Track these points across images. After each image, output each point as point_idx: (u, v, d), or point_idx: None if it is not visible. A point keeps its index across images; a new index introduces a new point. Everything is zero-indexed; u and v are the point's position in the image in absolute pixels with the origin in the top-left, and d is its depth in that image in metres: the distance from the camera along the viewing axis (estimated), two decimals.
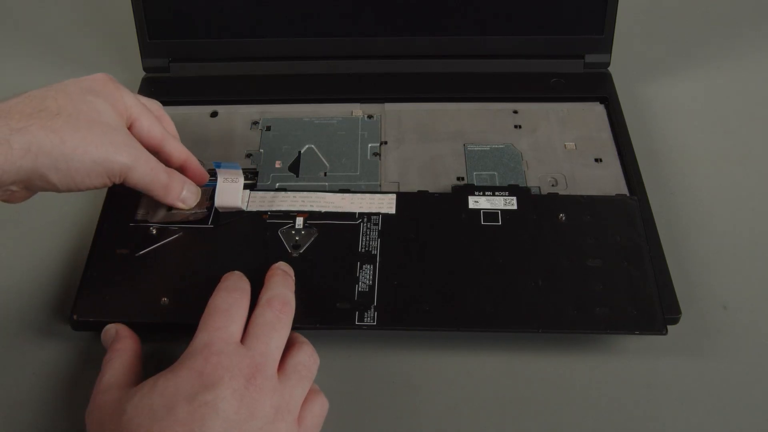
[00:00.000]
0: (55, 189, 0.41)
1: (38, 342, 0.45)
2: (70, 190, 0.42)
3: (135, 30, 0.58)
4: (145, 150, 0.44)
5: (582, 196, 0.49)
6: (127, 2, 0.57)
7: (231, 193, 0.48)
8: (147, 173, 0.43)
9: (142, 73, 0.60)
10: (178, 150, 0.47)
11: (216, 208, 0.49)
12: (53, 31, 0.68)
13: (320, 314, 0.44)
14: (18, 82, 0.62)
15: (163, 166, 0.45)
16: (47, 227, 0.51)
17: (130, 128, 0.45)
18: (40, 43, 0.67)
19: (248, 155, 0.54)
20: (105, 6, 0.70)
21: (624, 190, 0.51)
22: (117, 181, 0.43)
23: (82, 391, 0.41)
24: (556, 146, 0.54)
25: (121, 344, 0.41)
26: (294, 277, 0.44)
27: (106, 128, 0.42)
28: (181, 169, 0.47)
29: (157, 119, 0.46)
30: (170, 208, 0.48)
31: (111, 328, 0.43)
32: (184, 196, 0.47)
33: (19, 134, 0.38)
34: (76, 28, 0.68)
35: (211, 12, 0.58)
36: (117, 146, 0.42)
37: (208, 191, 0.49)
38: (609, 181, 0.52)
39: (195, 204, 0.48)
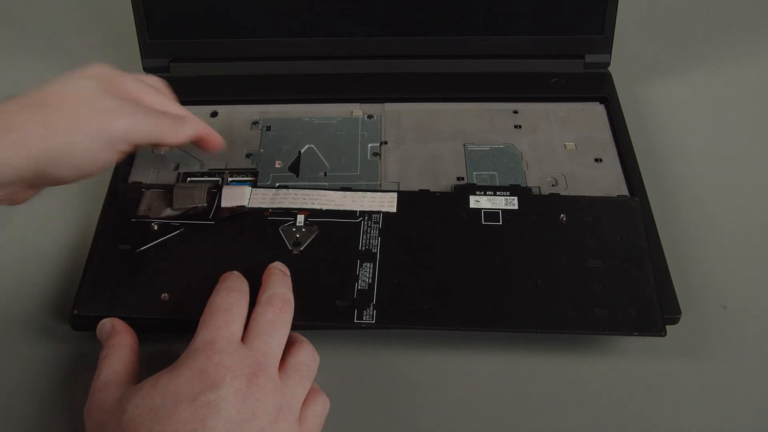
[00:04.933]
0: (62, 181, 0.40)
1: (38, 342, 0.45)
2: (79, 178, 0.41)
3: (135, 30, 0.58)
4: (141, 104, 0.42)
5: (583, 197, 0.49)
6: (127, 2, 0.57)
7: (237, 193, 0.49)
8: (151, 125, 0.42)
9: (142, 74, 0.60)
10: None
11: (218, 204, 0.49)
12: (53, 31, 0.68)
13: (319, 312, 0.44)
14: (18, 82, 0.63)
15: (168, 112, 0.44)
16: (48, 227, 0.51)
17: None
18: (40, 43, 0.67)
19: (248, 155, 0.54)
20: (105, 6, 0.70)
21: (624, 190, 0.51)
22: (125, 148, 0.41)
23: (82, 390, 0.40)
24: (556, 146, 0.54)
25: (117, 339, 0.41)
26: (290, 277, 0.44)
27: (93, 100, 0.40)
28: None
29: (164, 96, 0.45)
30: (172, 204, 0.48)
31: (106, 323, 0.42)
32: (204, 130, 0.45)
33: (5, 134, 0.38)
34: (76, 28, 0.68)
35: (211, 12, 0.58)
36: (107, 113, 0.40)
37: (206, 186, 0.49)
38: (609, 181, 0.52)
39: (220, 143, 0.47)
